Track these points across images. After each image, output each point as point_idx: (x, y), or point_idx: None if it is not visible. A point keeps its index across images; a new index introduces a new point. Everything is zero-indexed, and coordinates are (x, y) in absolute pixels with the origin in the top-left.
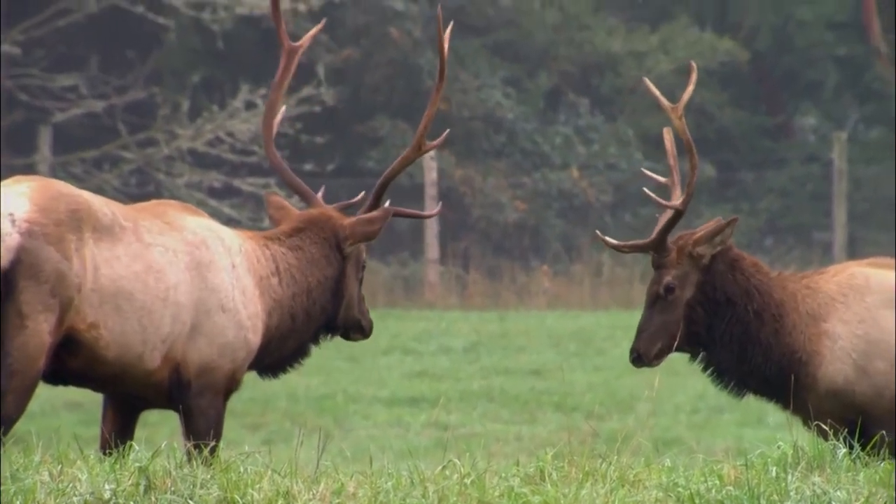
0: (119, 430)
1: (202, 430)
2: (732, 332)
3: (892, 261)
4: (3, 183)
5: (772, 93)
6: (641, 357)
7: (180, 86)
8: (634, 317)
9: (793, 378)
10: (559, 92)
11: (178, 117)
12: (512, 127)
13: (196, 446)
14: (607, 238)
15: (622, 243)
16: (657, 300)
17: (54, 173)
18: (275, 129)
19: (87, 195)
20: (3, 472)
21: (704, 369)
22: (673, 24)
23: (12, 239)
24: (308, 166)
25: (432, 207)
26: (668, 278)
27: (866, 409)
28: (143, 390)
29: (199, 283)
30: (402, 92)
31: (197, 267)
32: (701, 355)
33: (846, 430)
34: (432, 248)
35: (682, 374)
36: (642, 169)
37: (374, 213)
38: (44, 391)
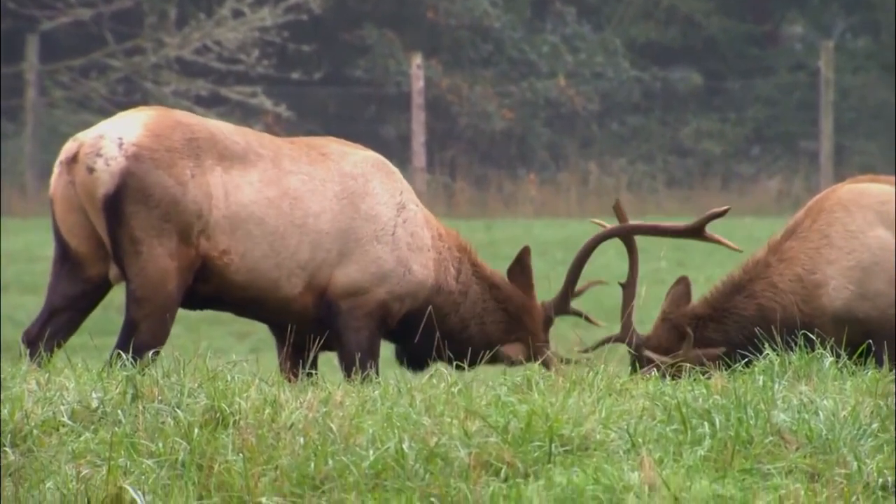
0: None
1: (353, 346)
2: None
3: (873, 177)
4: (127, 112)
5: (759, 0)
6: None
7: None
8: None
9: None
10: (546, 0)
11: (165, 25)
12: (499, 35)
13: (348, 367)
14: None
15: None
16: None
17: (41, 81)
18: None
19: (211, 124)
20: None
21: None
22: None
23: (117, 163)
24: (295, 75)
25: (419, 116)
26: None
27: (874, 330)
28: (286, 316)
29: (351, 212)
30: (389, 0)
31: (350, 196)
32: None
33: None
34: (419, 156)
35: (669, 282)
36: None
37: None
38: (30, 299)
